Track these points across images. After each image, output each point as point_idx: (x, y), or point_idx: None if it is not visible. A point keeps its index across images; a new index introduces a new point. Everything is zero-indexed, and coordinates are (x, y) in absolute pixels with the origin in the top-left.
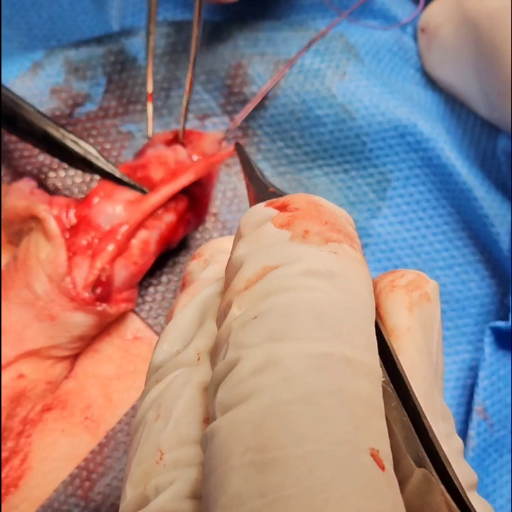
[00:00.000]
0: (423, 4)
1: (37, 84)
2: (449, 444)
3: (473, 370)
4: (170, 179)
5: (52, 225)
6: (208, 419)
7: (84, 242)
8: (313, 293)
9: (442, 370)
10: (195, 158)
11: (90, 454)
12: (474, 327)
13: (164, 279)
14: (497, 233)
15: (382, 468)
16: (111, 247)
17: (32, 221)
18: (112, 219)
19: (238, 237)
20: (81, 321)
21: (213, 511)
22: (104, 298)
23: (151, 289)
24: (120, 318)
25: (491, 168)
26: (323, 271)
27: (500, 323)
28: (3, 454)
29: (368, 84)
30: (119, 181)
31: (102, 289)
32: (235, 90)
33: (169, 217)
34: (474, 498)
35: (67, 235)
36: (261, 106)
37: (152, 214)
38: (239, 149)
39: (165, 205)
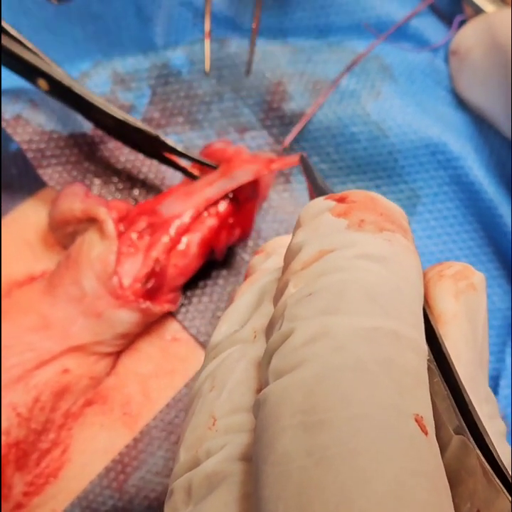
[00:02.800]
0: (455, 28)
1: None
2: (492, 425)
3: (495, 380)
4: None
5: (110, 227)
6: (260, 389)
7: (134, 236)
8: (366, 273)
9: (487, 358)
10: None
11: (125, 448)
12: (496, 339)
13: (208, 290)
14: None
15: (426, 433)
16: (166, 239)
17: (87, 223)
18: (171, 210)
19: (297, 227)
20: (125, 318)
21: (263, 468)
22: (154, 291)
23: (188, 293)
24: (160, 319)
25: None
26: (377, 255)
27: None
28: (45, 445)
29: (402, 103)
30: (192, 159)
31: (155, 281)
32: (274, 106)
33: (211, 221)
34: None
35: (121, 228)
36: (299, 122)
37: (207, 207)
38: (303, 160)
39: (207, 208)
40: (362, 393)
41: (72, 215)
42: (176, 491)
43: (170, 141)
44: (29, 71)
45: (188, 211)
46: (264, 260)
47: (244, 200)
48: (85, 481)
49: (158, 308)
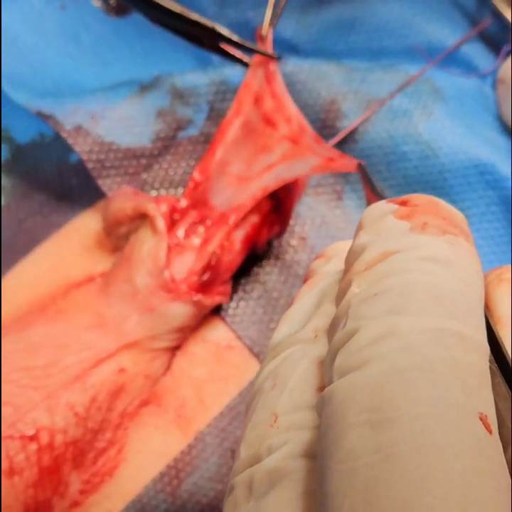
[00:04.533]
0: (503, 57)
1: (144, 106)
2: None
3: None
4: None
5: (160, 222)
6: (323, 388)
7: (183, 231)
8: (431, 276)
9: None
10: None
11: (180, 454)
12: None
13: (255, 294)
14: None
15: (490, 432)
16: (222, 234)
17: (139, 221)
18: (224, 201)
19: (359, 229)
20: (178, 311)
21: (329, 465)
22: (209, 284)
23: (242, 303)
24: (215, 326)
25: None
26: (441, 258)
27: None
28: (101, 444)
29: (452, 124)
30: (249, 50)
31: (210, 274)
32: (328, 124)
33: (254, 218)
34: None
35: (176, 217)
36: (352, 140)
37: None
38: (361, 168)
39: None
40: (429, 392)
41: (124, 214)
42: (237, 487)
43: (226, 31)
44: None
45: (246, 206)
46: (324, 264)
47: (284, 197)
48: (140, 482)
49: (210, 300)
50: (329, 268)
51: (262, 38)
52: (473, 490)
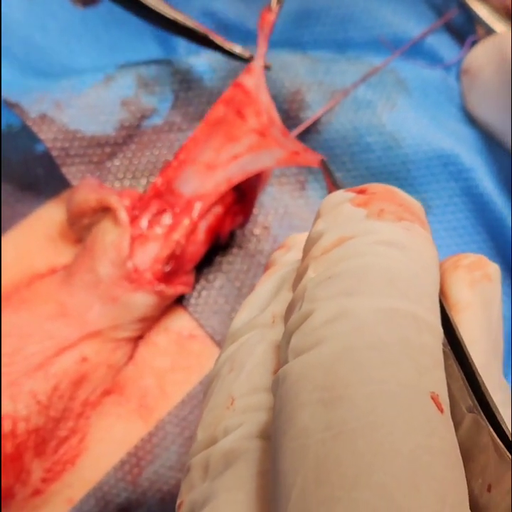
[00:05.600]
0: (467, 48)
1: (109, 95)
2: (506, 413)
3: None
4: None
5: (123, 215)
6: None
7: (146, 221)
8: (386, 259)
9: (501, 347)
10: None
11: (140, 441)
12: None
13: (217, 283)
14: None
15: (441, 410)
16: (187, 222)
17: (102, 213)
18: (190, 188)
19: (317, 217)
20: (141, 301)
21: (281, 443)
22: (172, 274)
23: (205, 292)
24: (177, 315)
25: None
26: (396, 242)
27: None
28: (63, 433)
29: (416, 116)
30: (241, 59)
31: (174, 264)
32: (291, 114)
33: (217, 209)
34: None
35: (136, 213)
36: (315, 131)
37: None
38: (324, 164)
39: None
40: (381, 371)
41: (87, 206)
42: (193, 468)
43: (219, 39)
44: None
45: (211, 195)
46: (284, 254)
47: (248, 188)
48: (101, 471)
49: (172, 290)
50: (289, 257)
51: (271, 10)
52: (424, 467)
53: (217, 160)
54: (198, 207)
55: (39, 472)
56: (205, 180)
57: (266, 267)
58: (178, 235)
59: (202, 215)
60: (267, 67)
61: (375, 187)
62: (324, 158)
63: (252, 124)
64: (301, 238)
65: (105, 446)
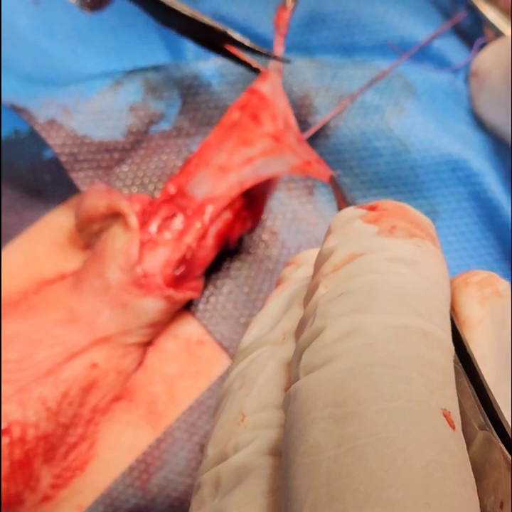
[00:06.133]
0: (475, 51)
1: (117, 101)
2: None
3: None
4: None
5: (133, 220)
6: (289, 387)
7: (156, 226)
8: (397, 276)
9: None
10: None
11: (149, 447)
12: None
13: (225, 289)
14: None
15: (453, 427)
16: (198, 225)
17: (111, 218)
18: (202, 190)
19: (328, 233)
20: (150, 307)
21: (293, 459)
22: (182, 279)
23: (213, 298)
24: (186, 321)
25: None
26: (407, 259)
27: None
28: (73, 439)
29: (424, 120)
30: (260, 53)
31: (185, 268)
32: (300, 119)
33: (226, 214)
34: None
35: (146, 218)
36: (324, 135)
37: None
38: (334, 181)
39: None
40: (392, 387)
41: (97, 212)
42: (203, 484)
43: (237, 36)
44: None
45: (223, 198)
46: (295, 270)
47: (257, 194)
48: (110, 477)
49: (181, 295)
50: (299, 274)
51: (286, 8)
52: (436, 483)
53: (231, 163)
54: (209, 210)
55: (48, 478)
56: (217, 183)
57: (277, 284)
58: (189, 238)
59: (213, 219)
60: (286, 61)
61: (386, 203)
62: (334, 175)
63: (267, 128)
64: (311, 254)
65: (114, 453)
